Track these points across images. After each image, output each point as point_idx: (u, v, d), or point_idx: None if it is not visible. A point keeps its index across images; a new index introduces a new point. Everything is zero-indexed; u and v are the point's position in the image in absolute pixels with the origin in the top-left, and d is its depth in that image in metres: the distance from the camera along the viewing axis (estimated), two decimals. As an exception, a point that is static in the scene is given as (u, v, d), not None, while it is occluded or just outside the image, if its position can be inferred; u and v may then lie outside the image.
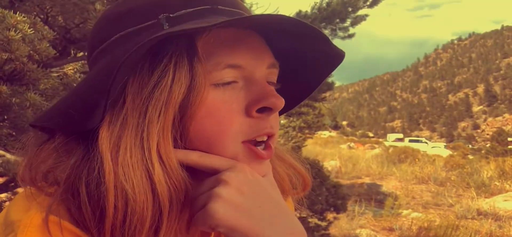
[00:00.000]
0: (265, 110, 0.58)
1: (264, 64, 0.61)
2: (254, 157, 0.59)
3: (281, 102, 0.58)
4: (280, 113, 0.65)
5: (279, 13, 2.48)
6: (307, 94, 0.74)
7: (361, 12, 3.86)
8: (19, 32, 1.28)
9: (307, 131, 8.17)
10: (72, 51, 2.02)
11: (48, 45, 1.46)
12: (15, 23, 1.28)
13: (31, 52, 1.41)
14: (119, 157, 0.52)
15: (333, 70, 0.67)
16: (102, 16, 0.62)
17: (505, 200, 9.32)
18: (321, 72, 0.69)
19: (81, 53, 2.00)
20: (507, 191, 10.63)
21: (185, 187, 0.56)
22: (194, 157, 0.57)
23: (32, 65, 1.50)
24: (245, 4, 0.64)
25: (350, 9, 3.79)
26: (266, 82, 0.60)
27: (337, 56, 0.64)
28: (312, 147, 18.12)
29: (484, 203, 9.40)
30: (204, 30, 0.55)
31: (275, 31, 0.61)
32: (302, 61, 0.67)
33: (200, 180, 0.58)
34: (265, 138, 0.60)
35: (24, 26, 1.30)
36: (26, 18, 1.37)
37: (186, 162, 0.57)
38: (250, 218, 0.54)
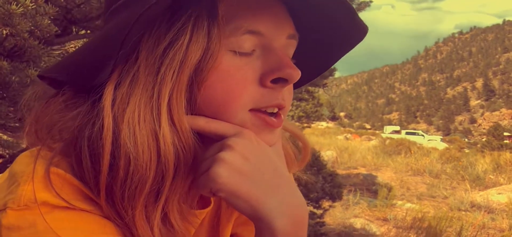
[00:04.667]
0: (280, 81, 0.57)
1: (284, 34, 0.59)
2: (264, 125, 0.58)
3: (297, 74, 0.57)
4: (294, 87, 0.64)
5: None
6: (324, 69, 0.72)
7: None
8: (20, 6, 1.27)
9: (305, 120, 8.18)
10: (74, 29, 2.01)
11: (49, 21, 1.45)
12: (17, -3, 1.27)
13: (32, 27, 1.40)
14: (125, 114, 0.51)
15: (354, 45, 0.64)
16: None
17: (499, 193, 9.39)
18: (341, 48, 0.66)
19: (83, 31, 2.00)
20: (501, 185, 10.70)
21: (194, 151, 0.55)
22: (201, 123, 0.56)
23: (33, 42, 1.49)
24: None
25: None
26: (284, 52, 0.59)
27: (360, 31, 0.61)
28: (309, 137, 18.13)
29: (478, 196, 9.46)
30: None
31: (299, 1, 0.58)
32: (323, 35, 0.64)
33: (206, 146, 0.57)
34: (275, 110, 0.59)
35: (26, 0, 1.29)
36: (27, -7, 1.35)
37: (192, 127, 0.55)
38: (252, 184, 0.53)
